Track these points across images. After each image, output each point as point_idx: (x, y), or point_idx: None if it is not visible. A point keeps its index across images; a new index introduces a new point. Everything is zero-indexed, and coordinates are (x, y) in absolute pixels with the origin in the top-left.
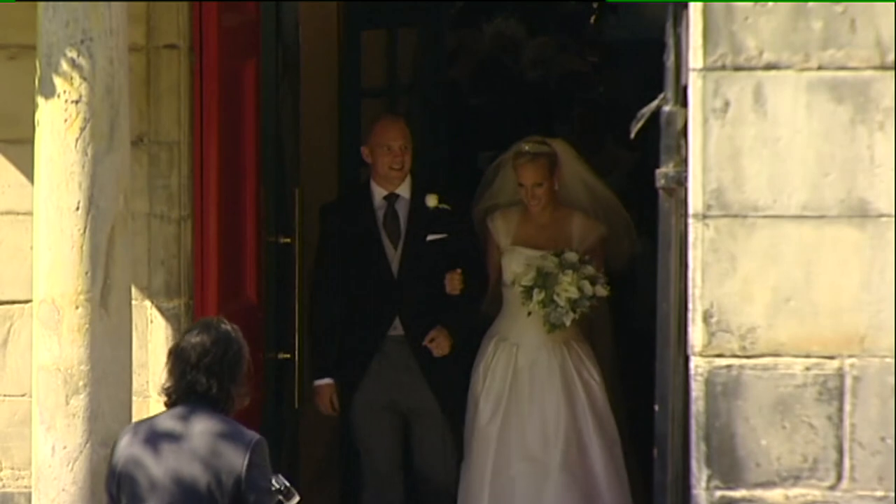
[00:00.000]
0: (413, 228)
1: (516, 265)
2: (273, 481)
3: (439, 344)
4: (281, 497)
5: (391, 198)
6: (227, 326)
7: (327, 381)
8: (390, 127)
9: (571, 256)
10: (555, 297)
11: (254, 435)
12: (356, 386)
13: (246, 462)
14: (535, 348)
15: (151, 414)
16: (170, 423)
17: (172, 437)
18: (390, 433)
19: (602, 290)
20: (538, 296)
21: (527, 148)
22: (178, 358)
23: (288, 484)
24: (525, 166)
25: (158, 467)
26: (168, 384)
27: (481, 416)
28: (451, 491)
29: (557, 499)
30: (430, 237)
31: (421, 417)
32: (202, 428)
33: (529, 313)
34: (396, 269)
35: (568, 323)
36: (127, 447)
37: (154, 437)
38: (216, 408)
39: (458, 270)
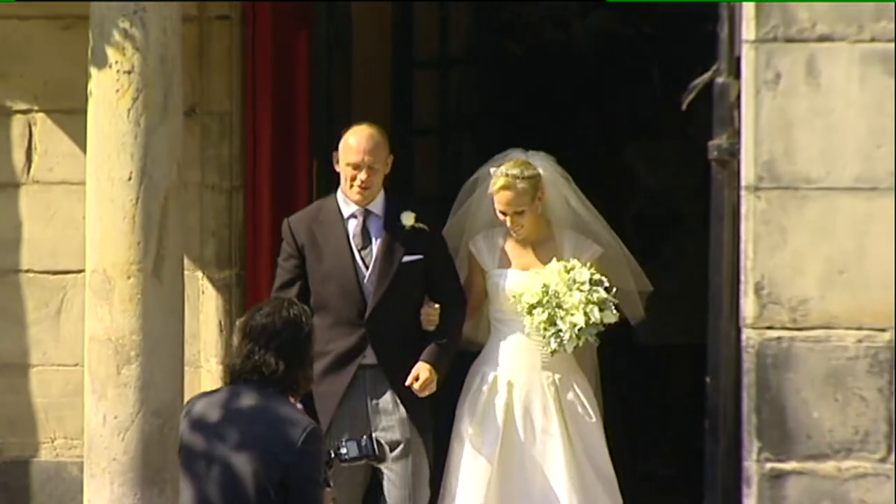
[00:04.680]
0: (388, 249)
1: (506, 288)
2: (345, 449)
3: (426, 382)
4: (371, 460)
5: (362, 213)
6: (297, 308)
7: None
8: (355, 142)
9: (582, 273)
10: (557, 321)
11: (309, 422)
12: (330, 418)
13: (296, 450)
14: (528, 386)
15: (202, 384)
16: (228, 402)
17: (229, 417)
18: (360, 475)
19: (611, 317)
20: (540, 315)
21: (508, 172)
22: (246, 337)
23: (376, 446)
24: (504, 193)
25: (213, 445)
26: (234, 361)
27: (473, 460)
28: None
29: None
30: (405, 258)
31: (400, 447)
32: (259, 410)
33: (529, 334)
34: (370, 292)
35: (570, 350)
36: (186, 422)
37: (212, 414)
38: (282, 390)
39: (437, 306)
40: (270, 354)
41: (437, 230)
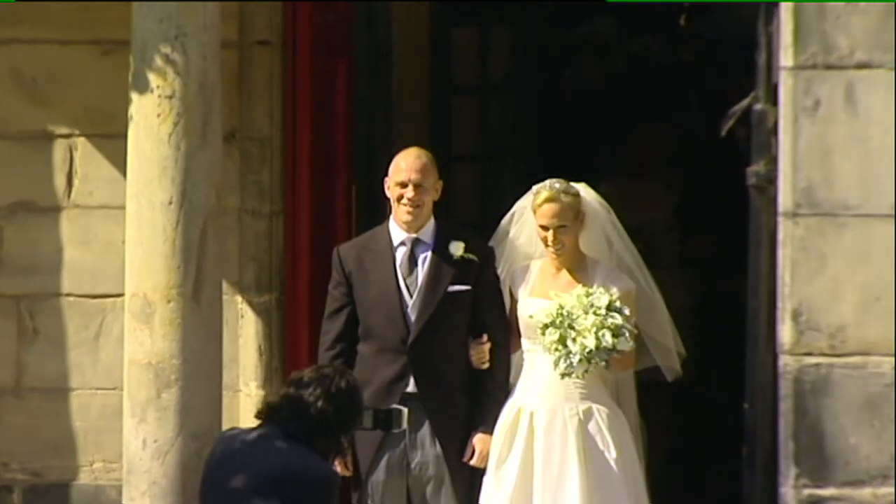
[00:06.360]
0: (433, 277)
1: (527, 315)
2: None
3: (483, 455)
4: (385, 430)
5: (411, 242)
6: (349, 381)
7: None
8: (403, 162)
9: (601, 298)
10: (568, 342)
11: (326, 471)
12: (379, 445)
13: (314, 495)
14: (550, 417)
15: (241, 408)
16: (254, 443)
17: (252, 458)
18: (403, 499)
19: (625, 345)
20: (551, 335)
21: (552, 186)
22: (292, 385)
23: (392, 416)
24: (549, 205)
25: (233, 486)
26: (272, 403)
27: (493, 490)
28: None
29: None
30: (451, 288)
31: (432, 482)
32: (279, 455)
33: (545, 350)
34: (413, 321)
35: (580, 374)
36: (213, 459)
37: (237, 454)
38: (309, 444)
39: (488, 344)
40: (311, 410)
41: (489, 262)
